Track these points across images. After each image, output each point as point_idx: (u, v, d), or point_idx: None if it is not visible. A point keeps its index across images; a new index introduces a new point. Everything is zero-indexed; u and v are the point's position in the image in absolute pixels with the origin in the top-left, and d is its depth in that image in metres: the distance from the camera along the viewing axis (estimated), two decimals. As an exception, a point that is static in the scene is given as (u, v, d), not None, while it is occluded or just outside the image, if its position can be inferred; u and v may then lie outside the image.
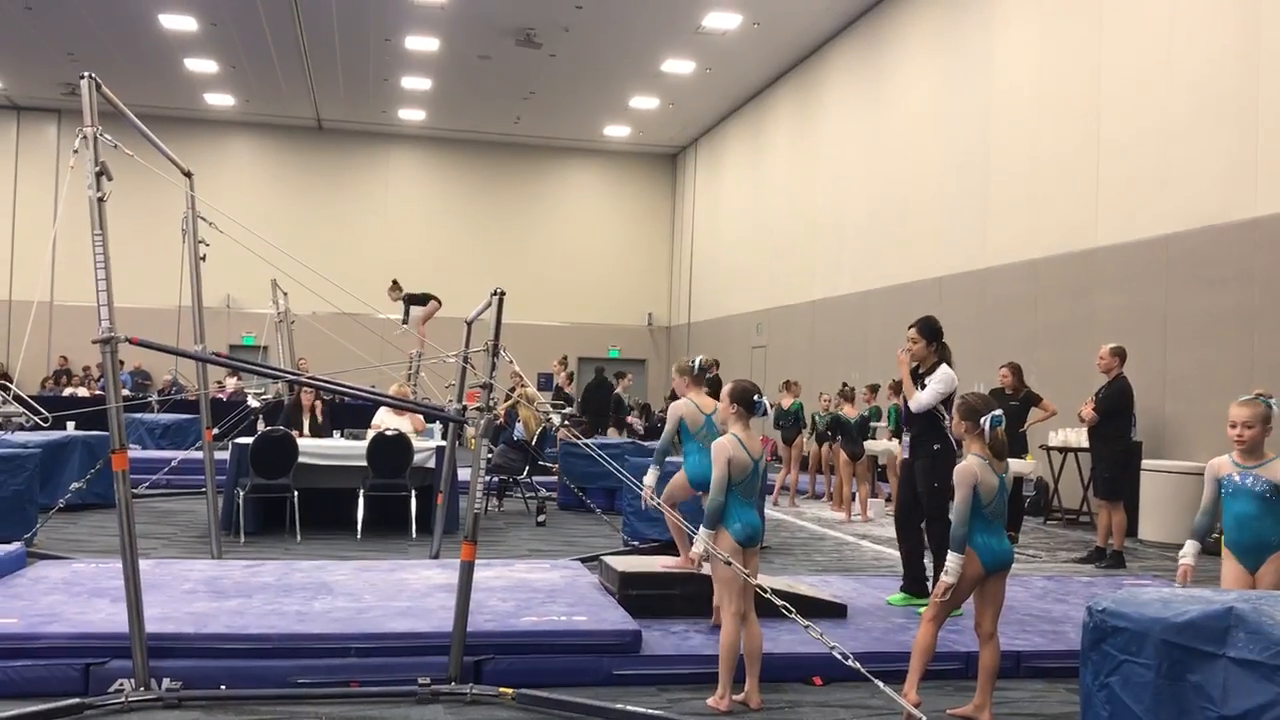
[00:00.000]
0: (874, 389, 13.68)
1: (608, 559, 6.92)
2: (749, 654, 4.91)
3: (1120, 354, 9.51)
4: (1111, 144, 12.32)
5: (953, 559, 4.58)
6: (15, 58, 22.01)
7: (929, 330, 7.07)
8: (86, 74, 5.21)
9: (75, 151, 5.05)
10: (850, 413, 12.58)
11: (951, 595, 4.65)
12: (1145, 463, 11.03)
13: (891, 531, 11.27)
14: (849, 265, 18.59)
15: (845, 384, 13.48)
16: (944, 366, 6.96)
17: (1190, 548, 4.81)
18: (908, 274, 16.44)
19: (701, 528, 4.87)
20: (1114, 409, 9.38)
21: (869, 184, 17.98)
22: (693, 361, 6.84)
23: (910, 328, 7.13)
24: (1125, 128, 12.13)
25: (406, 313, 14.06)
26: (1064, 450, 11.95)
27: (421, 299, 14.02)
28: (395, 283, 14.34)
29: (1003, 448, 4.74)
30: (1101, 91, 12.51)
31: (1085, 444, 10.37)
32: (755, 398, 4.99)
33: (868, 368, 16.81)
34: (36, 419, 4.91)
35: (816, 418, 13.44)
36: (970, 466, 4.66)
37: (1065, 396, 11.32)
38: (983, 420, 4.69)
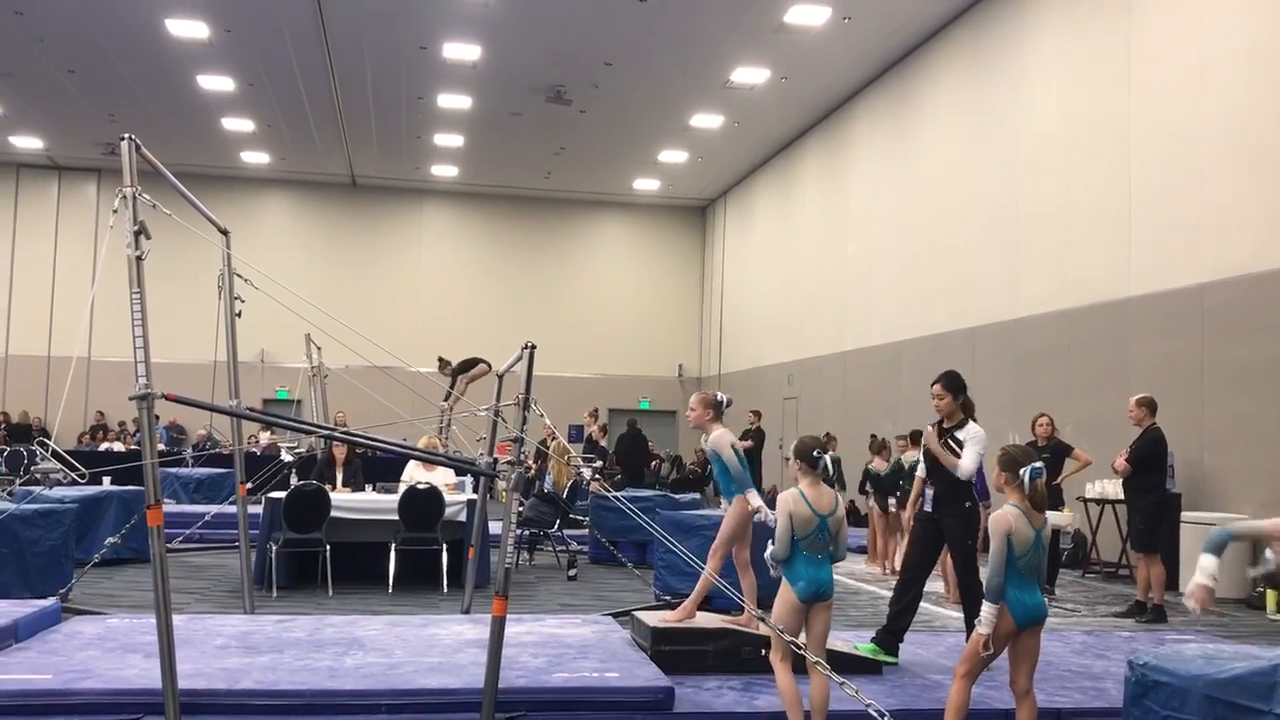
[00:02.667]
0: (914, 439, 13.45)
1: (639, 614, 6.87)
2: (815, 708, 4.87)
3: (1149, 405, 9.40)
4: (1143, 193, 12.29)
5: (988, 609, 4.53)
6: (58, 119, 22.53)
7: (954, 385, 6.95)
8: (127, 135, 5.31)
9: (115, 211, 5.14)
10: (880, 465, 12.47)
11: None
12: (1184, 514, 10.86)
13: (929, 586, 11.17)
14: (880, 316, 18.56)
15: (875, 436, 13.33)
16: (973, 423, 6.86)
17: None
18: (939, 324, 16.39)
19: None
20: (1147, 460, 9.26)
21: (899, 235, 18.00)
22: (720, 396, 6.85)
23: (934, 384, 7.03)
24: (1157, 176, 12.10)
25: (453, 384, 14.03)
26: (1101, 502, 11.80)
27: (470, 363, 14.00)
28: (442, 359, 14.30)
29: (1042, 500, 4.70)
30: (1131, 140, 12.49)
31: (1122, 496, 10.23)
32: (815, 453, 5.01)
33: (900, 419, 16.69)
34: (74, 475, 4.95)
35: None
36: (1005, 516, 4.62)
37: (1101, 447, 11.20)
38: (1022, 471, 4.66)
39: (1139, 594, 9.35)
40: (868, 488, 12.82)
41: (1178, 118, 11.82)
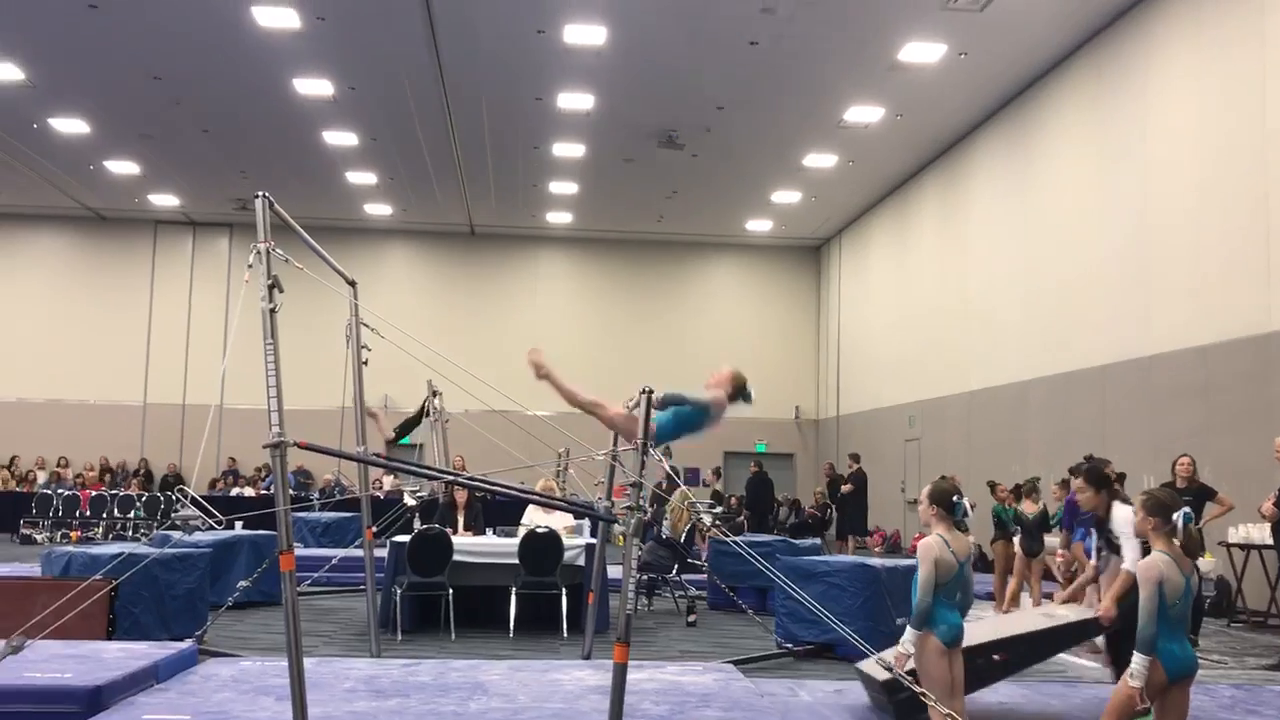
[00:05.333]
0: (1064, 485, 12.76)
1: (868, 668, 6.05)
2: None
3: (1299, 444, 8.94)
4: (1282, 223, 11.75)
5: (1138, 660, 4.35)
6: (193, 177, 23.58)
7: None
8: (261, 193, 5.50)
9: (250, 265, 5.33)
10: (1030, 508, 12.06)
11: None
12: (1339, 561, 10.26)
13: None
14: (1005, 355, 18.08)
15: (1034, 479, 12.76)
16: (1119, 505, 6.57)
17: None
18: (1068, 363, 15.88)
19: (909, 628, 4.78)
20: (1299, 503, 8.80)
21: (1022, 271, 17.56)
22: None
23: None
24: (1297, 206, 11.56)
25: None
26: (1246, 547, 11.22)
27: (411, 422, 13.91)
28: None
29: (1195, 546, 4.51)
30: (1269, 166, 11.96)
31: (1269, 540, 9.72)
32: (955, 499, 4.90)
33: (1029, 461, 16.22)
34: (210, 522, 5.11)
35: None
36: (1156, 563, 4.44)
37: (1244, 490, 10.68)
38: (1175, 517, 4.47)
39: (1292, 645, 8.85)
40: (1001, 529, 12.41)
41: (1318, 144, 11.30)
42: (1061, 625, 5.59)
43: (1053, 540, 11.89)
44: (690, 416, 6.01)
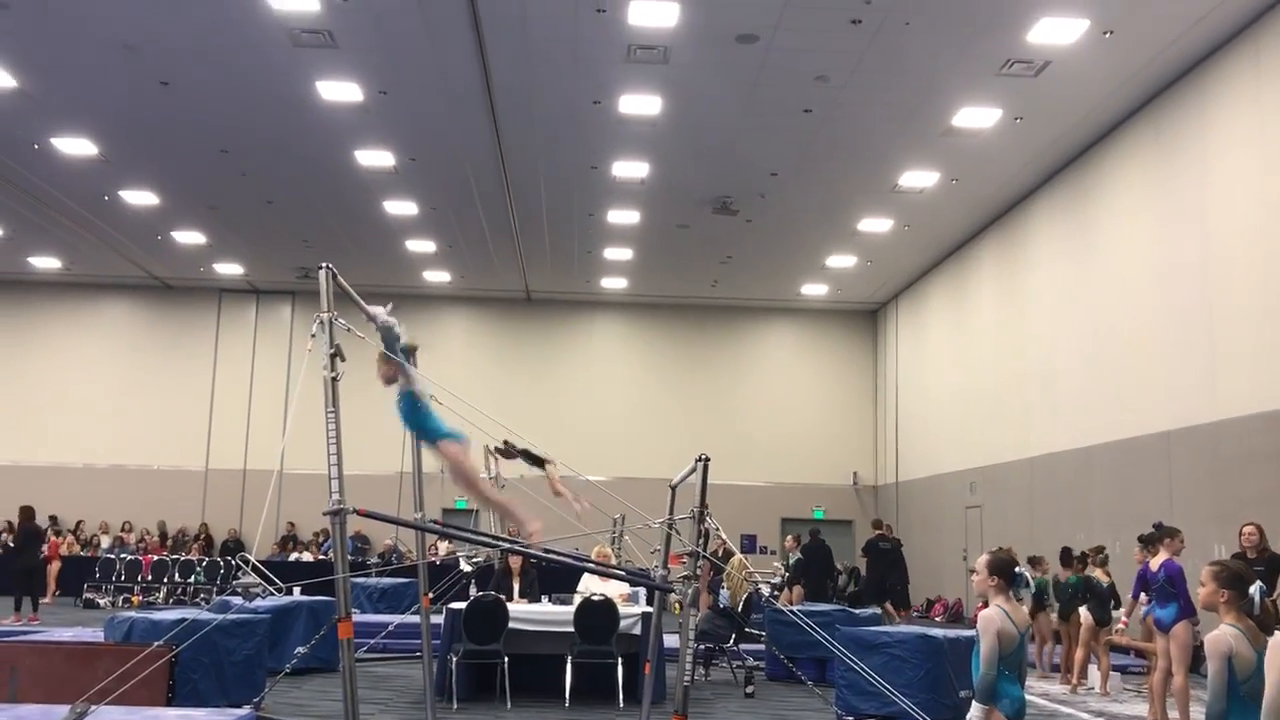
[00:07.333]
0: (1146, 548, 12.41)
1: None
2: None
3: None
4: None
5: (1208, 740, 4.21)
6: (258, 247, 24.13)
7: None
8: (325, 265, 5.62)
9: (313, 335, 5.42)
10: (1102, 577, 11.80)
11: None
12: None
13: (1131, 709, 10.44)
14: (1067, 420, 17.79)
15: (1103, 547, 12.53)
16: None
17: None
18: (1131, 429, 15.58)
19: (974, 704, 4.70)
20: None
21: (1083, 335, 17.33)
22: None
23: None
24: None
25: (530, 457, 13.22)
26: (1324, 619, 10.83)
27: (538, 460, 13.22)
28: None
29: (1272, 621, 4.38)
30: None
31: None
32: (1016, 570, 4.87)
33: (1093, 529, 15.87)
34: (271, 589, 5.15)
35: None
36: (1224, 637, 4.30)
37: (1321, 560, 10.33)
38: (1252, 590, 4.36)
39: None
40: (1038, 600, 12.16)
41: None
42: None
43: (1116, 611, 11.62)
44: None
